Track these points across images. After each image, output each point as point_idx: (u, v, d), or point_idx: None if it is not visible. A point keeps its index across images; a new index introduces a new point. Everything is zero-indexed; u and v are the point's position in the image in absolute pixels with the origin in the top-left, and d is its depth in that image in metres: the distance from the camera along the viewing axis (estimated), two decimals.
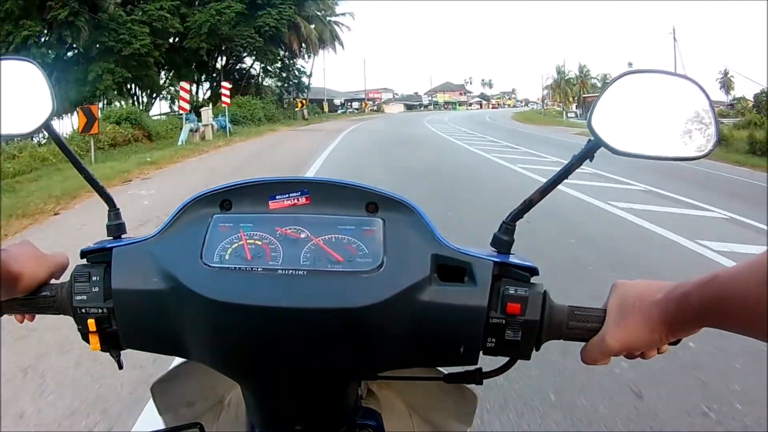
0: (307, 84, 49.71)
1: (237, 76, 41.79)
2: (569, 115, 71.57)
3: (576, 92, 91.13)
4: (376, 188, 0.78)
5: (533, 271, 0.73)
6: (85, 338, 0.75)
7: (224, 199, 0.78)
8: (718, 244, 6.13)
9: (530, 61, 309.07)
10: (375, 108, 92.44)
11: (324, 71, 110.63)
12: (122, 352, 0.80)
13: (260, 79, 45.86)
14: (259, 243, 0.73)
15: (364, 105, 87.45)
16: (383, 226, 0.74)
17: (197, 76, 39.32)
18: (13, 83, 0.76)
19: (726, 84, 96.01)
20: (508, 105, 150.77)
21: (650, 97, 0.70)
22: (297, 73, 48.71)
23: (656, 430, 2.62)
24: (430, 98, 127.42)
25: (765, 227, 7.23)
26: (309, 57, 47.99)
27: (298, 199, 0.78)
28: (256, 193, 0.79)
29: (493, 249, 0.77)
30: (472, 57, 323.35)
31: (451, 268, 0.72)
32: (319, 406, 0.77)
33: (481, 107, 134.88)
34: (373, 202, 0.77)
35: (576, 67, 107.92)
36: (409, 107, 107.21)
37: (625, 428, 2.62)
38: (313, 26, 43.24)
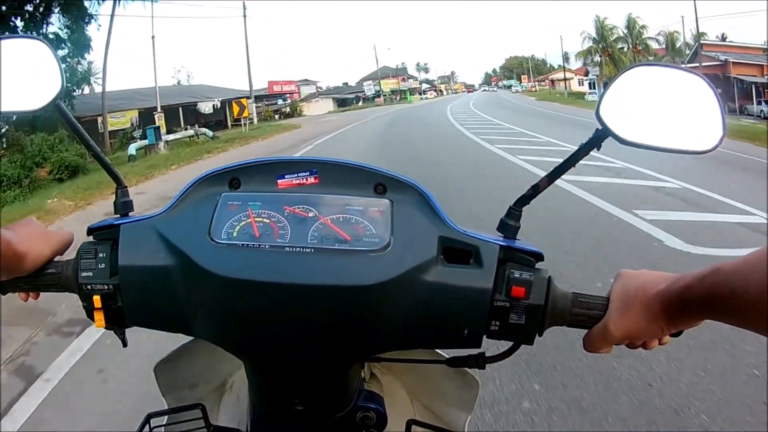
0: (81, 71, 24.05)
1: None
2: (589, 97, 51.89)
3: (629, 59, 52.79)
4: (384, 170, 0.79)
5: (538, 257, 0.74)
6: (90, 315, 0.75)
7: (233, 177, 0.79)
8: None
9: (467, 42, 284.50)
10: (285, 110, 49.52)
11: (153, 41, 30.35)
12: (126, 330, 0.80)
13: None
14: (267, 221, 0.73)
15: (236, 110, 30.07)
16: (391, 207, 0.75)
17: None
18: (23, 61, 0.77)
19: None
20: (456, 89, 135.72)
21: (659, 90, 0.71)
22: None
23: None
24: (375, 87, 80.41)
25: None
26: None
27: (306, 179, 0.79)
28: (264, 172, 0.79)
29: (499, 234, 0.78)
30: (401, 39, 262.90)
31: (458, 251, 0.73)
32: (322, 387, 0.78)
33: (437, 94, 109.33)
34: (381, 183, 0.78)
35: (620, 22, 65.19)
36: (342, 103, 68.35)
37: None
38: None
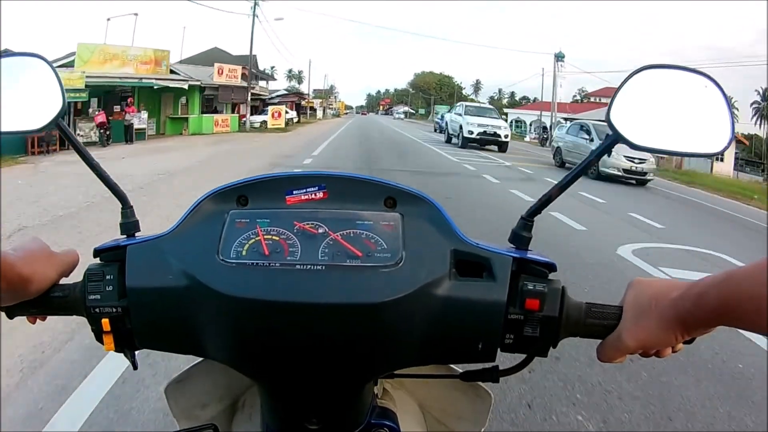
0: None
1: None
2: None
3: None
4: (394, 183, 0.78)
5: (551, 267, 0.73)
6: (99, 338, 0.74)
7: (240, 194, 0.77)
8: None
9: (345, 59, 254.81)
10: None
11: None
12: (137, 352, 0.78)
13: None
14: (277, 238, 0.72)
15: None
16: (402, 221, 0.74)
17: None
18: (22, 79, 0.75)
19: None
20: (338, 110, 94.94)
21: (668, 92, 0.70)
22: None
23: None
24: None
25: None
26: None
27: (315, 194, 0.77)
28: (272, 188, 0.78)
29: (512, 245, 0.77)
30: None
31: (470, 264, 0.72)
32: (336, 406, 0.76)
33: (297, 117, 47.26)
34: (391, 196, 0.77)
35: None
36: None
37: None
38: None
